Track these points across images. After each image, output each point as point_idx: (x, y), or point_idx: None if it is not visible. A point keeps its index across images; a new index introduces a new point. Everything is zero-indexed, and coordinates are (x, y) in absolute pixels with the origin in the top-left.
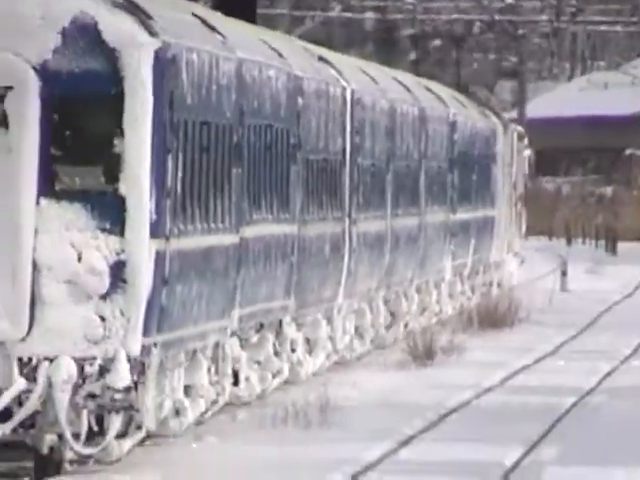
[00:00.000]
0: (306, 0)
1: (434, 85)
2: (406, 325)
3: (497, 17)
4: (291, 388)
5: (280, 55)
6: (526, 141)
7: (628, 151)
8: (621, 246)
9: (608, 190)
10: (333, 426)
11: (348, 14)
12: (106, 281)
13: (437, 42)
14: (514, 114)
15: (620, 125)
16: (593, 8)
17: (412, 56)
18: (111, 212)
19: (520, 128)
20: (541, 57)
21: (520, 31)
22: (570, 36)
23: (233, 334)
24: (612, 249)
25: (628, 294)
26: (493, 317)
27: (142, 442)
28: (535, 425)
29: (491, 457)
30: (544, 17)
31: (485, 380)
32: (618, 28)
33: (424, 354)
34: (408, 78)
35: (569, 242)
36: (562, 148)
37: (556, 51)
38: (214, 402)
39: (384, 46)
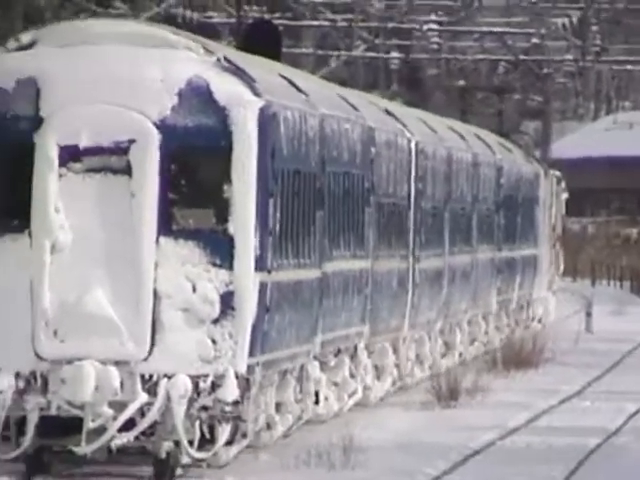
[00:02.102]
0: (330, 39)
1: (482, 132)
2: (460, 354)
3: (522, 57)
4: (314, 428)
5: (355, 109)
6: (563, 185)
7: None
8: None
9: (633, 231)
10: (357, 467)
11: (372, 53)
12: (217, 308)
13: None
14: (537, 154)
15: None
16: (618, 47)
17: (438, 96)
18: (221, 249)
19: (558, 173)
20: (566, 97)
21: (545, 70)
22: (595, 76)
23: (315, 357)
24: (637, 290)
25: None
26: (518, 358)
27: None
28: (560, 466)
29: None
30: (569, 57)
31: (510, 421)
32: None
33: (448, 395)
34: (460, 126)
35: (594, 283)
36: (587, 189)
37: (581, 91)
38: (299, 418)
39: (409, 86)
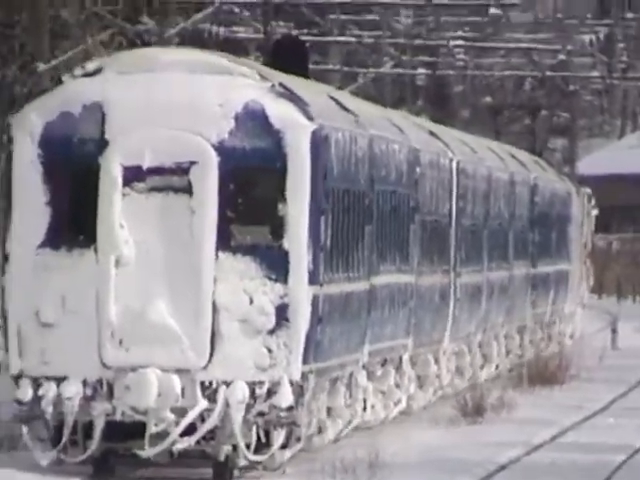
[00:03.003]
0: (357, 56)
1: (518, 151)
2: (497, 366)
3: (548, 73)
4: (340, 443)
5: (401, 130)
6: (593, 202)
7: None
8: None
9: None
10: None
11: (399, 70)
12: (273, 320)
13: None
14: (564, 171)
15: None
16: None
17: (465, 113)
18: (276, 264)
19: (589, 190)
20: (592, 114)
21: (571, 87)
22: (621, 93)
23: (363, 367)
24: None
25: None
26: (544, 374)
27: None
28: None
29: None
30: (596, 73)
31: (535, 437)
32: None
33: (474, 411)
34: (497, 146)
35: (619, 299)
36: (613, 205)
37: (607, 108)
38: (348, 423)
39: (435, 102)
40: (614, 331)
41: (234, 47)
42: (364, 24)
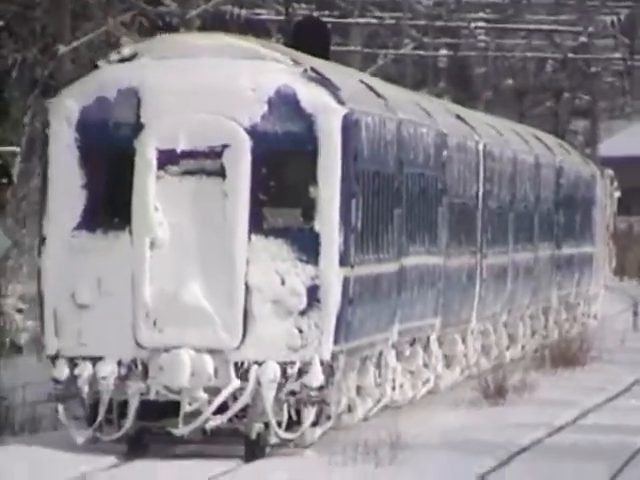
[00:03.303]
0: (378, 37)
1: (542, 134)
2: (523, 347)
3: (570, 55)
4: (362, 425)
5: (429, 114)
6: (616, 184)
7: None
8: None
9: None
10: (403, 464)
11: (420, 51)
12: (304, 301)
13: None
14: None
15: None
16: None
17: (486, 95)
18: (308, 246)
19: (611, 172)
20: (613, 95)
21: (593, 69)
22: None
23: (392, 346)
24: None
25: None
26: (565, 356)
27: None
28: (606, 464)
29: None
30: (617, 55)
31: (556, 419)
32: None
33: (496, 393)
34: (522, 128)
35: None
36: (635, 187)
37: (629, 90)
38: (377, 401)
39: (457, 84)
40: (635, 313)
41: (256, 29)
42: (385, 5)
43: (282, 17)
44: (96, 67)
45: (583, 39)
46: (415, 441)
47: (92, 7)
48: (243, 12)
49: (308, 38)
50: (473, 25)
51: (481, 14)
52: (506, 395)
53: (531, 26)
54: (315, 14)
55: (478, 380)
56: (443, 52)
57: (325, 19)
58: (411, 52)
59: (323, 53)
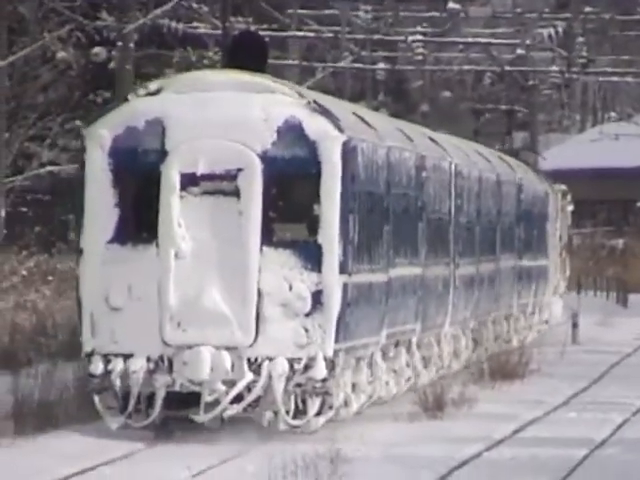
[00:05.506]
0: (317, 51)
1: (504, 155)
2: (486, 350)
3: (507, 68)
4: (301, 439)
5: (410, 140)
6: (569, 198)
7: (639, 203)
8: (632, 298)
9: (619, 242)
10: (344, 478)
11: (359, 65)
12: (309, 304)
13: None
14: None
15: (631, 177)
16: (604, 59)
17: (424, 107)
18: (312, 256)
19: (564, 187)
20: (551, 108)
21: (531, 82)
22: (581, 87)
23: (380, 348)
24: (623, 301)
25: (639, 346)
26: (504, 369)
27: None
28: (546, 478)
29: None
30: (555, 68)
31: (496, 432)
32: (629, 79)
33: (435, 406)
34: (485, 150)
35: (579, 293)
36: (574, 200)
37: (567, 102)
38: (370, 397)
39: (395, 97)
40: (575, 325)
41: (193, 43)
42: (323, 19)
43: (219, 31)
44: (126, 100)
45: (520, 52)
46: (355, 455)
47: (28, 22)
48: (180, 26)
49: (245, 52)
50: (411, 39)
51: (418, 28)
52: (445, 408)
53: (468, 39)
54: (252, 28)
55: (417, 393)
56: (381, 65)
57: (263, 33)
58: (349, 65)
59: (260, 67)
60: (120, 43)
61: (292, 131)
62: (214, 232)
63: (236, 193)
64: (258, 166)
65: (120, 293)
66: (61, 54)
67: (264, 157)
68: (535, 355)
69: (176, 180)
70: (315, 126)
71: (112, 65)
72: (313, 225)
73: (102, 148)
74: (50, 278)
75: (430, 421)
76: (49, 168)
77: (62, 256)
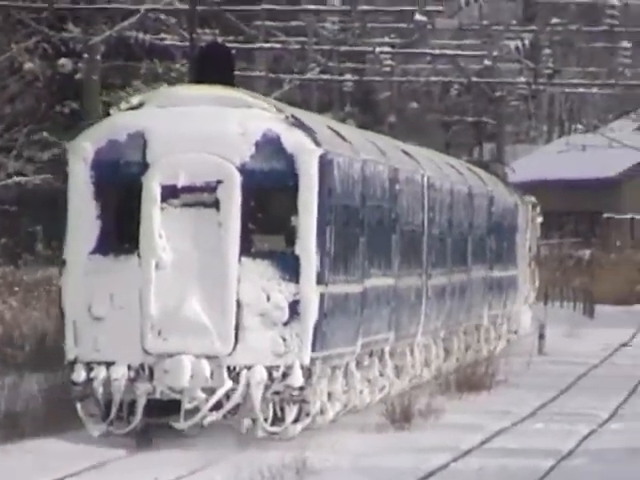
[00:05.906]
0: (283, 62)
1: (475, 168)
2: (457, 359)
3: (474, 79)
4: (267, 448)
5: (383, 153)
6: (538, 209)
7: (606, 215)
8: (598, 309)
9: (586, 253)
10: None
11: (326, 76)
12: (286, 314)
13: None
14: None
15: (598, 188)
16: (570, 70)
17: (391, 119)
18: (289, 267)
19: (533, 199)
20: (518, 119)
21: (498, 93)
22: (548, 98)
23: (355, 358)
24: (589, 312)
25: (605, 357)
26: (471, 380)
27: None
28: None
29: None
30: (522, 79)
31: (463, 443)
32: (595, 90)
33: (402, 417)
34: (457, 163)
35: (546, 304)
36: (541, 211)
37: (534, 113)
38: (345, 406)
39: (362, 108)
40: (541, 336)
41: (160, 54)
42: (290, 30)
43: (187, 43)
44: (108, 114)
45: (487, 63)
46: (322, 465)
47: None
48: (147, 38)
49: (212, 63)
50: (378, 50)
51: (386, 39)
52: (412, 419)
53: (435, 51)
54: (219, 39)
55: (384, 404)
56: (348, 77)
57: (229, 44)
58: (316, 77)
59: (228, 78)
60: (86, 55)
61: (270, 144)
62: (194, 243)
63: (216, 205)
64: (237, 178)
65: (102, 303)
66: (28, 65)
67: (243, 170)
68: (502, 366)
69: (157, 192)
70: (293, 140)
71: (79, 76)
72: (291, 236)
73: (85, 161)
74: (16, 289)
75: (397, 432)
76: (15, 179)
77: (28, 267)
